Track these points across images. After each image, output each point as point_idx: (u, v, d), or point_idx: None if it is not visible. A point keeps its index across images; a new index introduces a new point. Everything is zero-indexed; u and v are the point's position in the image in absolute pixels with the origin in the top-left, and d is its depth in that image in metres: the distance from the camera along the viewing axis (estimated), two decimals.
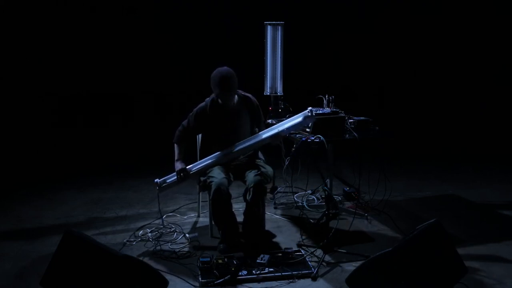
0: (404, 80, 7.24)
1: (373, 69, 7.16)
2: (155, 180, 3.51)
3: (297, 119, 3.41)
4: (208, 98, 3.55)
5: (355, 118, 3.72)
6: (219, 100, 3.47)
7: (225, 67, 3.44)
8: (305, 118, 3.37)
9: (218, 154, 3.44)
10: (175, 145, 3.62)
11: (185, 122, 3.60)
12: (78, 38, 6.52)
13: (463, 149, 6.48)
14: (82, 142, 6.45)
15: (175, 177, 3.47)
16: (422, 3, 7.08)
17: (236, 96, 3.52)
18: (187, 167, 3.46)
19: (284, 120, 3.58)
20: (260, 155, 3.72)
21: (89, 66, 6.61)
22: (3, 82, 6.14)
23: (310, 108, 3.38)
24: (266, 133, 3.44)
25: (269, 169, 3.52)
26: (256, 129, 3.57)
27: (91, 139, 6.55)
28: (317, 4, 6.97)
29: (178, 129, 3.62)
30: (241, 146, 3.43)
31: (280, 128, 3.41)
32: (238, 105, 3.54)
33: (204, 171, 3.44)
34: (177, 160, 3.56)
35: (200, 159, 3.56)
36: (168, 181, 3.51)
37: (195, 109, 3.56)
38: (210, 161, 3.46)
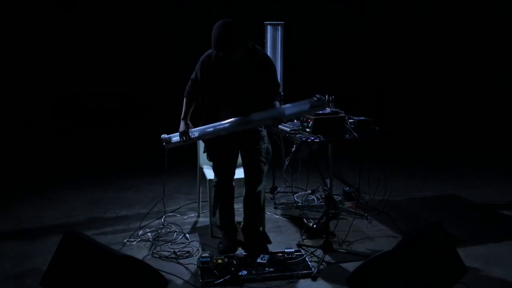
0: (404, 80, 7.25)
1: (373, 69, 7.16)
2: (162, 136, 3.27)
3: (303, 106, 3.14)
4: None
5: (355, 118, 3.72)
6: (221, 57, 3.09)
7: (229, 20, 2.98)
8: (312, 107, 3.11)
9: (222, 122, 3.16)
10: (184, 100, 3.30)
11: (193, 75, 3.28)
12: (78, 38, 6.52)
13: (463, 149, 6.48)
14: (82, 142, 6.46)
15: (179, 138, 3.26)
16: (422, 3, 7.09)
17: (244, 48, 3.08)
18: (191, 130, 3.24)
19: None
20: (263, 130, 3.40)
21: (89, 66, 6.62)
22: (3, 82, 6.14)
23: (317, 95, 3.11)
24: (272, 112, 3.12)
25: (268, 148, 3.37)
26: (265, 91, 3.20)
27: (91, 139, 6.55)
28: (317, 4, 6.97)
29: (188, 84, 3.31)
30: (248, 119, 3.12)
31: (287, 112, 3.12)
32: (244, 58, 3.11)
33: (207, 137, 3.27)
34: (182, 119, 3.26)
35: (205, 120, 3.29)
36: (173, 140, 3.28)
37: (201, 57, 3.22)
38: (212, 128, 3.19)
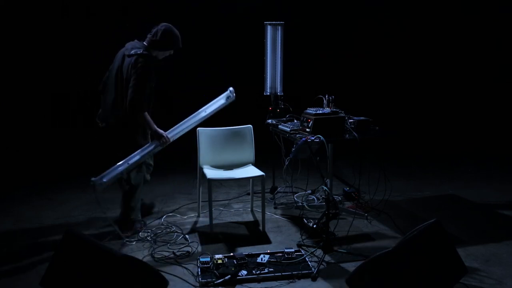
0: (404, 80, 7.25)
1: (373, 69, 7.16)
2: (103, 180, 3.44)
3: (220, 101, 3.90)
4: (139, 52, 3.50)
5: (355, 118, 3.72)
6: (158, 57, 3.70)
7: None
8: (227, 98, 3.89)
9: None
10: (146, 114, 3.52)
11: (142, 87, 3.45)
12: (77, 37, 6.51)
13: (463, 149, 6.49)
14: (82, 142, 6.45)
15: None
16: (422, 3, 7.09)
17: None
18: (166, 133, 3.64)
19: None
20: None
21: (89, 66, 6.60)
22: (3, 82, 6.14)
23: (231, 88, 3.90)
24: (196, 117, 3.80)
25: None
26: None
27: (91, 139, 6.54)
28: (317, 4, 6.98)
29: (142, 95, 3.44)
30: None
31: (208, 111, 3.83)
32: None
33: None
34: (156, 129, 3.58)
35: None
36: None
37: (146, 63, 3.47)
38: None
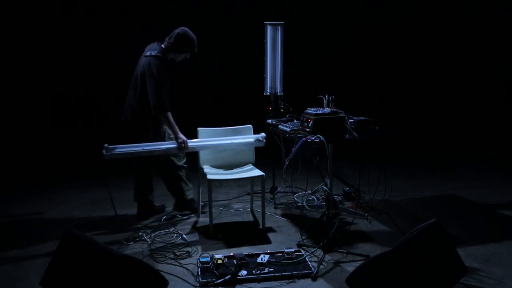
0: (404, 80, 7.25)
1: (373, 69, 7.16)
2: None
3: (248, 139, 3.93)
4: (153, 53, 3.65)
5: (355, 118, 3.72)
6: (176, 60, 3.80)
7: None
8: (256, 141, 3.91)
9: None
10: (170, 115, 3.66)
11: (162, 87, 3.62)
12: (77, 37, 6.52)
13: (463, 149, 6.49)
14: (82, 142, 6.46)
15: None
16: (422, 3, 7.09)
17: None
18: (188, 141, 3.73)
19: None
20: None
21: (89, 66, 6.61)
22: (3, 82, 6.14)
23: (263, 134, 3.91)
24: (215, 141, 3.88)
25: None
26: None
27: (91, 139, 6.55)
28: (317, 4, 6.98)
29: (162, 96, 3.60)
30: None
31: (234, 141, 3.86)
32: None
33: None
34: (178, 132, 3.69)
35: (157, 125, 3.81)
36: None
37: (159, 67, 3.60)
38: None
